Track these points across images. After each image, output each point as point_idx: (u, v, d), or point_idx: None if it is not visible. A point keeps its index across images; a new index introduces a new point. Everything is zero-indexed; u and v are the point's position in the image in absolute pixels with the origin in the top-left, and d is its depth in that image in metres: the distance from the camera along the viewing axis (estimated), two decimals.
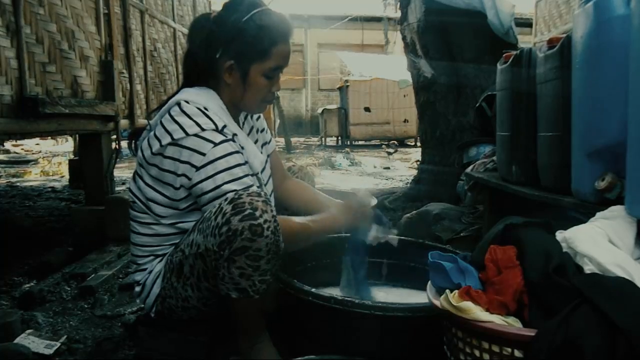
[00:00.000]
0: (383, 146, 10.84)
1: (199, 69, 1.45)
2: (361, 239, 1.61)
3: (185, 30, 5.13)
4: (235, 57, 1.41)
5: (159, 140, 1.34)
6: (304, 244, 1.51)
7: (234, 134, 1.40)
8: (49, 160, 8.37)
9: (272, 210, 1.25)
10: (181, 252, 1.35)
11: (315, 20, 15.86)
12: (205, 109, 1.37)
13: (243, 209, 1.21)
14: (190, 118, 1.34)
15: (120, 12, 3.53)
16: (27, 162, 8.39)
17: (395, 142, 11.36)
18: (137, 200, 1.43)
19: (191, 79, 1.48)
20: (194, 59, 1.46)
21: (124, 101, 3.54)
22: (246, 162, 1.38)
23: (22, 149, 10.43)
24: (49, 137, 9.97)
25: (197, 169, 1.30)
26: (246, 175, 1.33)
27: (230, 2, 1.46)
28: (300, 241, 1.46)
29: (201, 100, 1.40)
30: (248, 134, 1.57)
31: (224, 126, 1.37)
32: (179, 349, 1.42)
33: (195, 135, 1.31)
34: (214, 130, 1.33)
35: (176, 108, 1.37)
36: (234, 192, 1.26)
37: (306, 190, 1.78)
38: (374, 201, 1.76)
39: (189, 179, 1.32)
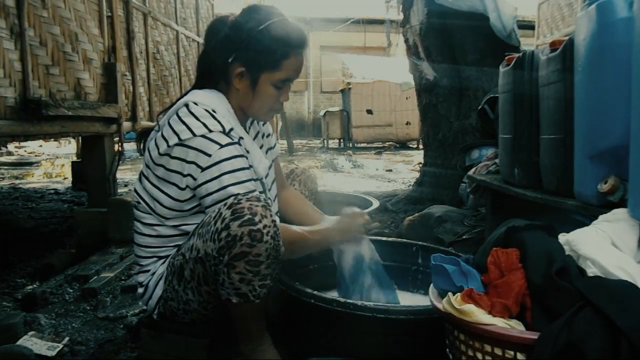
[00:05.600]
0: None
1: (211, 70, 1.46)
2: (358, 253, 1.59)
3: (188, 33, 5.14)
4: (247, 65, 1.42)
5: (166, 141, 1.35)
6: (300, 254, 1.53)
7: (240, 138, 1.40)
8: (51, 162, 8.39)
9: (271, 215, 1.25)
10: (182, 255, 1.35)
11: (317, 22, 15.87)
12: (214, 111, 1.38)
13: (242, 214, 1.21)
14: (198, 119, 1.34)
15: (123, 14, 3.54)
16: (30, 164, 8.42)
17: (395, 145, 11.35)
18: (141, 201, 1.43)
19: (203, 80, 1.49)
20: (207, 61, 1.48)
21: (127, 103, 3.54)
22: (250, 167, 1.39)
23: (25, 150, 10.47)
24: (52, 139, 10.00)
25: (203, 169, 1.31)
26: (249, 180, 1.34)
27: (248, 8, 1.47)
28: (297, 250, 1.47)
29: (209, 102, 1.40)
30: (254, 139, 1.58)
31: (231, 129, 1.37)
32: (181, 351, 1.42)
33: (202, 136, 1.32)
34: (220, 132, 1.34)
35: (184, 109, 1.38)
36: (234, 197, 1.26)
37: (300, 201, 1.78)
38: (375, 204, 1.76)
39: (195, 179, 1.32)
